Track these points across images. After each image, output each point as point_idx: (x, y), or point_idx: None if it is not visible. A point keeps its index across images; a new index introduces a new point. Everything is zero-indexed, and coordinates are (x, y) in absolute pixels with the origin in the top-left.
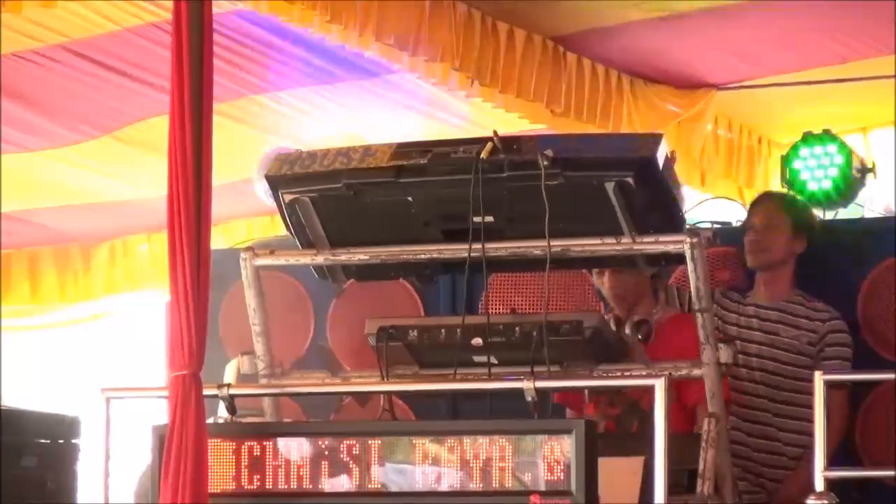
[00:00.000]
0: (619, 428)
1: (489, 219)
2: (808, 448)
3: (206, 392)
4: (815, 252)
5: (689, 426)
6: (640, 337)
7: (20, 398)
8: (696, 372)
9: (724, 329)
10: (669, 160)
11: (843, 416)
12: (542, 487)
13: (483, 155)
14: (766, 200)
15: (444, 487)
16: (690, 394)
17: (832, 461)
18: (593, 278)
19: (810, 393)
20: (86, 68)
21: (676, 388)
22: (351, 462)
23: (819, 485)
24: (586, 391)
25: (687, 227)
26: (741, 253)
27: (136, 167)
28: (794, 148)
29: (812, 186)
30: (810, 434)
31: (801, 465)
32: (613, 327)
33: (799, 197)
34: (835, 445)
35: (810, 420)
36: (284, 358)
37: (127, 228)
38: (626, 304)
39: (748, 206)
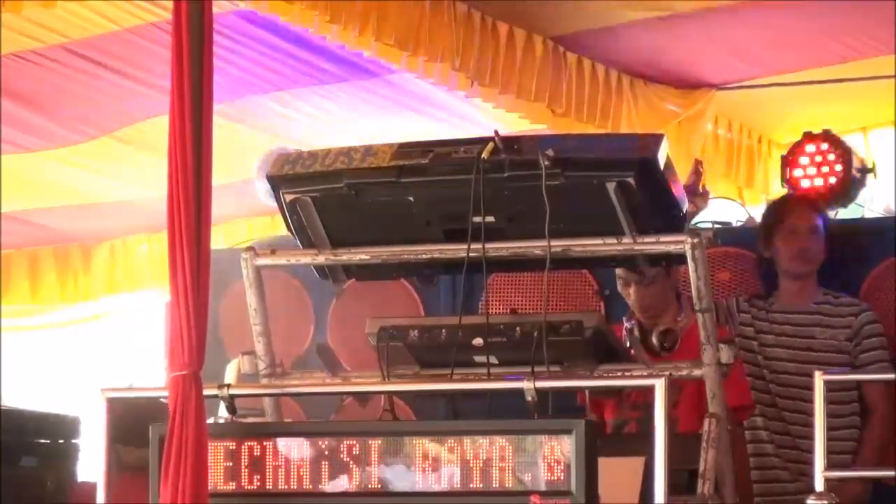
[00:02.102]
0: (641, 430)
1: (490, 219)
2: (861, 441)
3: (206, 392)
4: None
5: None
6: (665, 346)
7: (20, 398)
8: (697, 372)
9: (759, 338)
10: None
11: (885, 404)
12: (542, 487)
13: (484, 155)
14: (803, 204)
15: (444, 487)
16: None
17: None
18: (619, 288)
19: (853, 388)
20: (86, 68)
21: (697, 394)
22: (351, 462)
23: (819, 485)
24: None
25: (687, 227)
26: (755, 255)
27: (136, 167)
28: (794, 148)
29: (812, 186)
30: (859, 428)
31: (857, 459)
32: (638, 335)
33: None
34: (882, 434)
35: (856, 413)
36: (285, 358)
37: (127, 228)
38: (650, 316)
39: (777, 207)
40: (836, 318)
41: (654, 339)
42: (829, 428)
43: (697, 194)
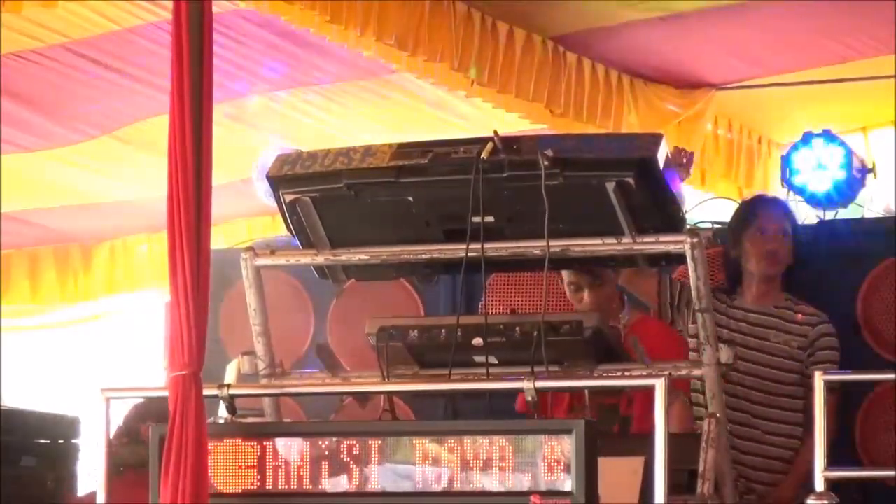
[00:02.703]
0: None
1: (489, 219)
2: (799, 451)
3: (206, 392)
4: (815, 253)
5: None
6: None
7: (20, 398)
8: (697, 372)
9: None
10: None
11: (832, 420)
12: (542, 487)
13: (483, 155)
14: (774, 206)
15: (443, 487)
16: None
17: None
18: (568, 295)
19: (800, 397)
20: (86, 68)
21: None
22: (351, 462)
23: (819, 485)
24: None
25: (687, 227)
26: (725, 253)
27: (136, 167)
28: (794, 148)
29: (812, 186)
30: (799, 438)
31: (794, 467)
32: None
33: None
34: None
35: (799, 424)
36: (285, 358)
37: (127, 228)
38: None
39: (751, 206)
40: (793, 324)
41: None
42: (769, 432)
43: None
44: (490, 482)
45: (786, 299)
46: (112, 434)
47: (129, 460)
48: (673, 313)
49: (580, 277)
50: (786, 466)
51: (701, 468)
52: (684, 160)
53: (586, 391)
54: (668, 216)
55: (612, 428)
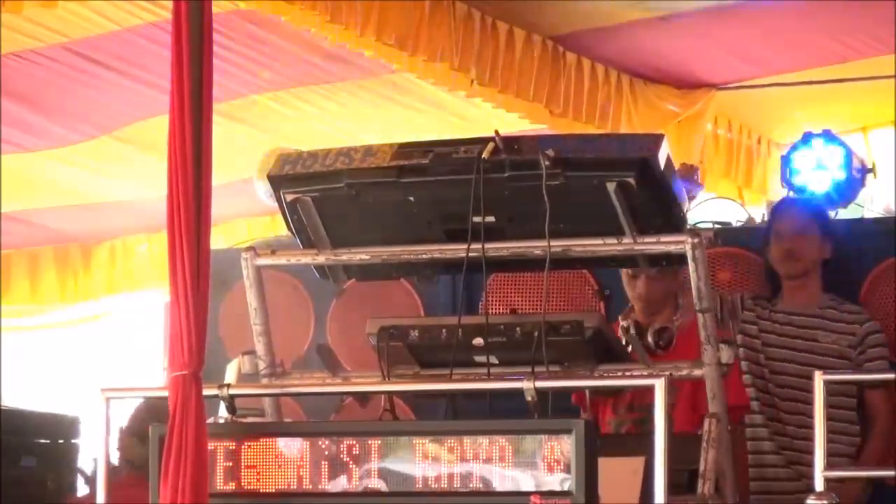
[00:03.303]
0: (639, 432)
1: (490, 219)
2: (862, 447)
3: (206, 392)
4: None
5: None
6: (661, 344)
7: (20, 398)
8: (697, 372)
9: (762, 337)
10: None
11: (887, 414)
12: (542, 487)
13: (484, 155)
14: (792, 206)
15: (443, 487)
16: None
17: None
18: (624, 281)
19: (853, 395)
20: (86, 68)
21: (693, 394)
22: (351, 462)
23: (819, 485)
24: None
25: (688, 227)
26: (755, 255)
27: (136, 167)
28: (794, 148)
29: (812, 186)
30: (856, 434)
31: (860, 458)
32: (634, 333)
33: (818, 199)
34: (883, 445)
35: (853, 421)
36: (285, 358)
37: (127, 228)
38: (651, 311)
39: (772, 211)
40: (840, 323)
41: (650, 338)
42: (828, 431)
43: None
44: (490, 482)
45: (830, 299)
46: (119, 432)
47: (137, 461)
48: (719, 325)
49: None
50: (847, 462)
51: (701, 468)
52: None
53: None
54: (668, 216)
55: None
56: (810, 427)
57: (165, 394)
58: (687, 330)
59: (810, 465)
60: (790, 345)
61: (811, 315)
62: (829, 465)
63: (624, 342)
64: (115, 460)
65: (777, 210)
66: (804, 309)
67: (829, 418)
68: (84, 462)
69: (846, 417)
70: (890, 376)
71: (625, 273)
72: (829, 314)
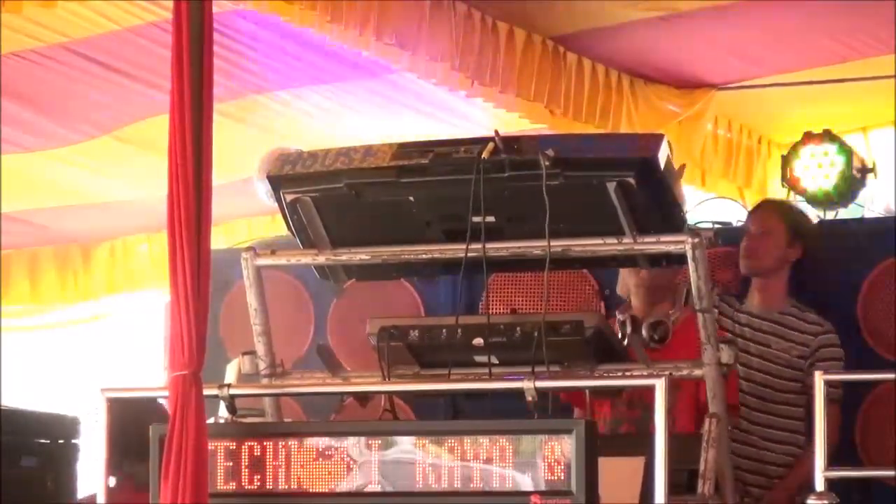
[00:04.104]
0: (638, 430)
1: (490, 219)
2: (797, 457)
3: (206, 392)
4: (816, 253)
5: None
6: (656, 337)
7: (20, 398)
8: (697, 372)
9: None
10: (675, 168)
11: (832, 429)
12: (543, 487)
13: (484, 155)
14: (763, 207)
15: (444, 487)
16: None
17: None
18: (624, 272)
19: (799, 405)
20: (86, 68)
21: (697, 388)
22: (351, 462)
23: (819, 485)
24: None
25: (688, 227)
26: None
27: (136, 167)
28: (794, 148)
29: (812, 186)
30: (798, 445)
31: (791, 471)
32: (630, 328)
33: (798, 203)
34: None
35: (798, 431)
36: (285, 358)
37: (127, 228)
38: (651, 301)
39: (747, 213)
40: (795, 332)
41: (645, 331)
42: (766, 438)
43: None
44: (490, 482)
45: (791, 305)
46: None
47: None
48: None
49: None
50: (783, 472)
51: (701, 468)
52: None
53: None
54: (668, 216)
55: (650, 427)
56: (751, 433)
57: (165, 393)
58: (682, 325)
59: (747, 470)
60: (744, 347)
61: (769, 320)
62: (761, 472)
63: (620, 335)
64: None
65: (752, 210)
66: (765, 312)
67: (770, 426)
68: (84, 462)
69: (793, 427)
70: (890, 376)
71: None
72: (788, 321)
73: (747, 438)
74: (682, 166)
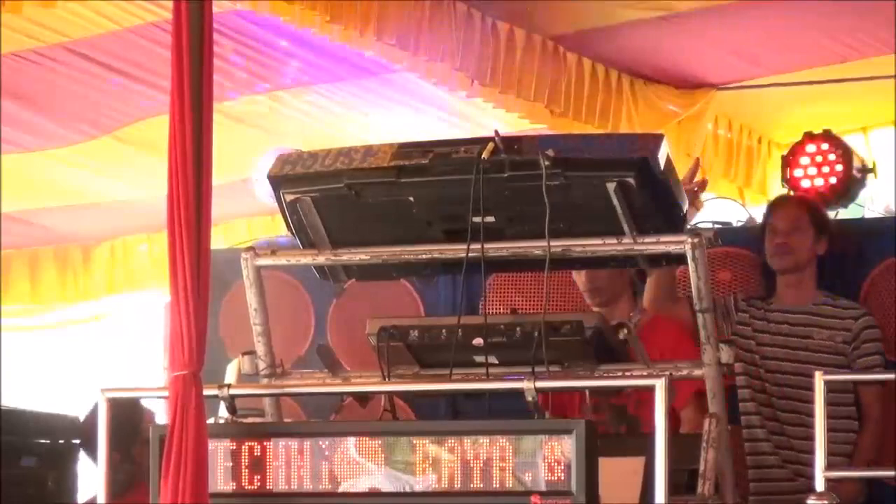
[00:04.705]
0: (605, 433)
1: (490, 219)
2: (857, 445)
3: (206, 392)
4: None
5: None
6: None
7: (20, 398)
8: (697, 372)
9: (756, 337)
10: (675, 168)
11: (880, 409)
12: (543, 487)
13: (484, 155)
14: (787, 203)
15: (444, 487)
16: (678, 398)
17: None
18: (573, 274)
19: (849, 391)
20: (86, 68)
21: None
22: (351, 462)
23: (819, 485)
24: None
25: (688, 227)
26: (755, 255)
27: (136, 167)
28: (794, 148)
29: (812, 186)
30: (854, 431)
31: (854, 461)
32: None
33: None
34: (876, 440)
35: (852, 417)
36: (285, 358)
37: (127, 228)
38: (602, 301)
39: (767, 209)
40: (834, 319)
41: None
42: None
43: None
44: (490, 482)
45: (824, 296)
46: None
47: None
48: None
49: None
50: (843, 460)
51: (701, 468)
52: (696, 188)
53: (587, 391)
54: (668, 216)
55: (620, 428)
56: (807, 426)
57: (165, 393)
58: (647, 327)
59: (807, 464)
60: (785, 343)
61: (806, 312)
62: (829, 465)
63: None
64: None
65: (772, 206)
66: (799, 307)
67: (829, 416)
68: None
69: (845, 414)
70: (890, 376)
71: None
72: (824, 310)
73: (804, 432)
74: (697, 160)
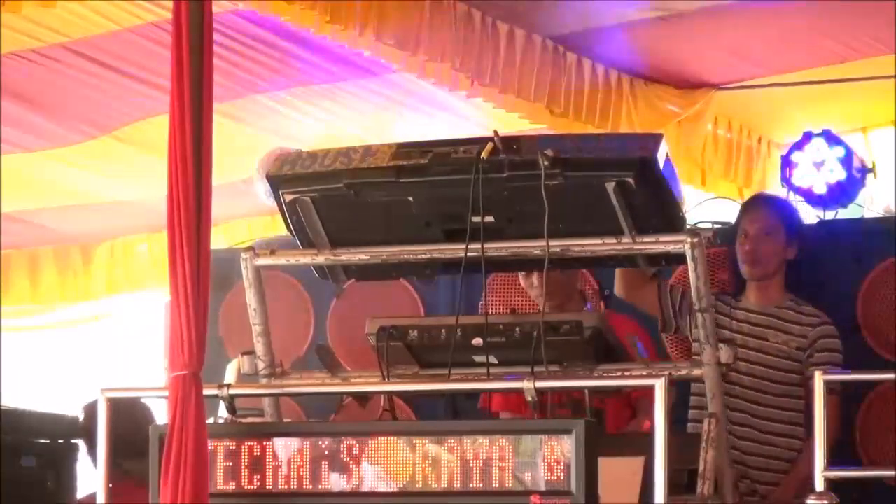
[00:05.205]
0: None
1: (489, 219)
2: (800, 450)
3: (206, 392)
4: (815, 253)
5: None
6: None
7: (20, 398)
8: (696, 372)
9: (718, 333)
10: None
11: (833, 421)
12: (542, 487)
13: (483, 155)
14: (759, 206)
15: (444, 487)
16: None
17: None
18: (521, 280)
19: (799, 397)
20: (86, 68)
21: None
22: (351, 462)
23: (819, 485)
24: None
25: (687, 227)
26: (733, 254)
27: (136, 167)
28: (794, 148)
29: (812, 186)
30: (800, 437)
31: (796, 466)
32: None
33: (790, 199)
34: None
35: (798, 423)
36: (285, 358)
37: (127, 228)
38: (556, 304)
39: (740, 209)
40: (793, 324)
41: None
42: (768, 432)
43: None
44: (490, 482)
45: (789, 299)
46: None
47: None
48: (677, 320)
49: None
50: (786, 466)
51: (701, 468)
52: None
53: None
54: (668, 216)
55: None
56: (755, 428)
57: (165, 393)
58: None
59: (753, 467)
60: (743, 343)
61: (767, 314)
62: (764, 468)
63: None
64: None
65: (744, 207)
66: (762, 307)
67: (771, 419)
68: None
69: (794, 420)
70: (890, 376)
71: (520, 273)
72: (786, 314)
73: (750, 433)
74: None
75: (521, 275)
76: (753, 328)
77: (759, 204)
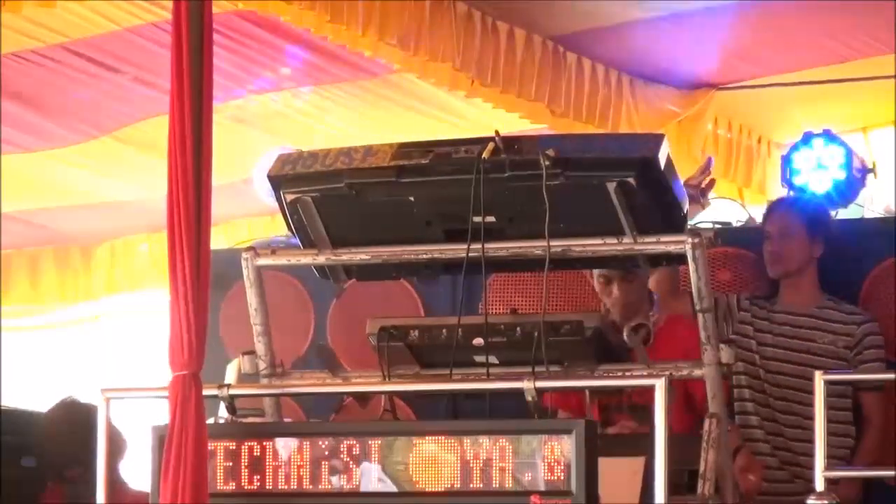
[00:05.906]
0: None
1: (490, 219)
2: (853, 448)
3: (206, 392)
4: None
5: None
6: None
7: (20, 398)
8: (697, 372)
9: (758, 337)
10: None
11: (882, 416)
12: (542, 487)
13: (484, 155)
14: (779, 207)
15: (444, 487)
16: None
17: (881, 462)
18: (596, 289)
19: (848, 396)
20: (86, 68)
21: (686, 392)
22: (351, 462)
23: (819, 485)
24: (588, 395)
25: (688, 227)
26: (755, 256)
27: (136, 167)
28: (794, 148)
29: (812, 186)
30: (851, 436)
31: (855, 458)
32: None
33: (812, 197)
34: (877, 445)
35: (848, 422)
36: (285, 358)
37: (127, 228)
38: (629, 314)
39: (764, 213)
40: (837, 324)
41: (626, 334)
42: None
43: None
44: (490, 482)
45: (827, 299)
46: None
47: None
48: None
49: (611, 270)
50: (840, 464)
51: (701, 468)
52: (703, 184)
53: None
54: (669, 216)
55: None
56: (806, 428)
57: (165, 393)
58: (665, 326)
59: (806, 466)
60: (787, 345)
61: (808, 315)
62: (827, 466)
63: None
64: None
65: (767, 210)
66: (802, 309)
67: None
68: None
69: (842, 418)
70: (890, 376)
71: (597, 280)
72: (827, 314)
73: (803, 434)
74: (710, 160)
75: (597, 282)
76: (797, 330)
77: (778, 206)
